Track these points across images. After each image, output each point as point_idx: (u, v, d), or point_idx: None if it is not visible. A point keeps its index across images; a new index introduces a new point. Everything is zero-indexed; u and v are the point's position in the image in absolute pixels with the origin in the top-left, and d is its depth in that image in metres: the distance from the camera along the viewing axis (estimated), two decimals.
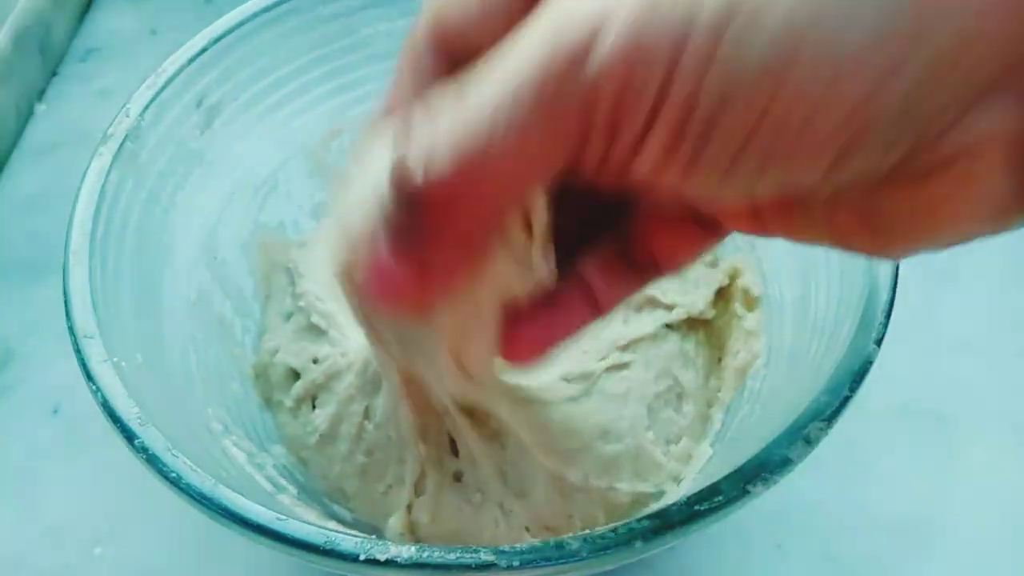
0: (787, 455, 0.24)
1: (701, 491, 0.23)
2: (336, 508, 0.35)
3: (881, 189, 0.17)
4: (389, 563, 0.22)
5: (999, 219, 0.17)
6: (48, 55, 0.58)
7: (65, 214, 0.30)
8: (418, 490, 0.34)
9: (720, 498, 0.23)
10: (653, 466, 0.34)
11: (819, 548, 0.38)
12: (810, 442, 0.24)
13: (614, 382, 0.35)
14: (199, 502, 0.24)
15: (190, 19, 0.63)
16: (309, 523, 0.23)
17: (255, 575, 0.38)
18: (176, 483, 0.24)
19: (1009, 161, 0.16)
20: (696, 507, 0.23)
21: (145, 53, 0.61)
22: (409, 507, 0.33)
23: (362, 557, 0.23)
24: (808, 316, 0.32)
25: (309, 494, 0.35)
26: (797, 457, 0.24)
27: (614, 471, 0.33)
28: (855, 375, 0.25)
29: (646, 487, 0.34)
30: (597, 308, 0.24)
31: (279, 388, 0.36)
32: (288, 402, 0.36)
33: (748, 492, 0.23)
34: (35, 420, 0.43)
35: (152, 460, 0.25)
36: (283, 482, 0.33)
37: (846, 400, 0.25)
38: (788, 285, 0.35)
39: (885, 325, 0.26)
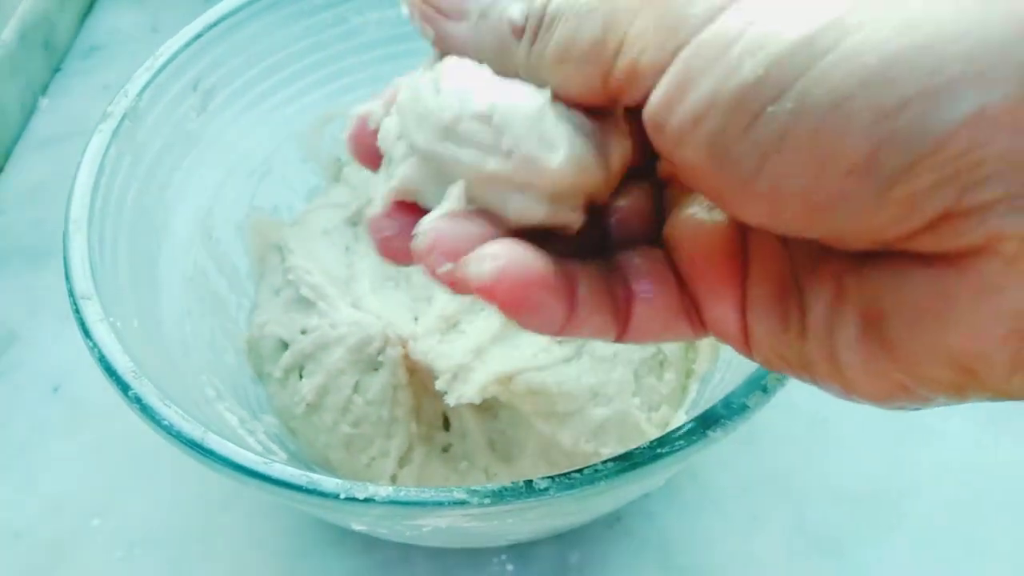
0: (745, 403, 0.25)
1: (663, 436, 0.25)
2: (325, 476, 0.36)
3: (894, 276, 0.16)
4: (368, 500, 0.24)
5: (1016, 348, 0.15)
6: (52, 51, 0.60)
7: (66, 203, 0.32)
8: (403, 462, 0.35)
9: (681, 441, 0.24)
10: (637, 433, 0.35)
11: (793, 519, 0.40)
12: (767, 391, 0.25)
13: (602, 346, 0.36)
14: (190, 448, 0.25)
15: (190, 17, 0.64)
16: (293, 467, 0.25)
17: (249, 547, 0.39)
18: (168, 431, 0.26)
19: None
20: (658, 449, 0.24)
21: (146, 50, 0.61)
22: (394, 478, 0.35)
23: (343, 495, 0.24)
24: None
25: (299, 461, 0.36)
26: (754, 405, 0.25)
27: (602, 436, 0.35)
28: None
29: None
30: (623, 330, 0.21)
31: (269, 360, 0.38)
32: (277, 372, 0.37)
33: (707, 436, 0.25)
34: (36, 398, 0.45)
35: (145, 410, 0.26)
36: (273, 447, 0.34)
37: None
38: None
39: None
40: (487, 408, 0.35)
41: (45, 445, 0.43)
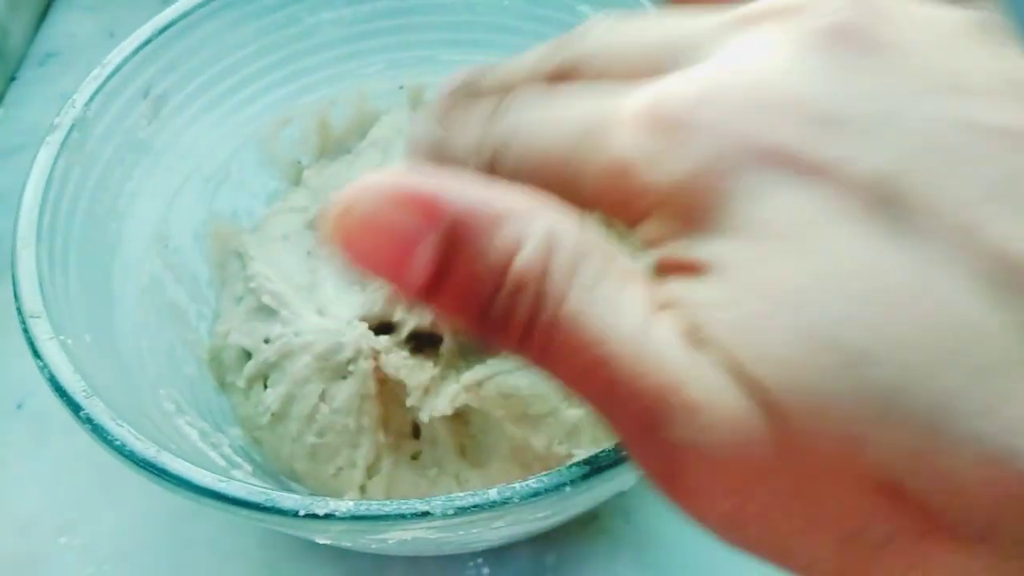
0: None
1: None
2: (293, 486, 0.36)
3: None
4: (328, 517, 0.23)
5: None
6: (6, 59, 0.58)
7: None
8: (372, 472, 0.35)
9: None
10: (611, 434, 0.35)
11: None
12: None
13: None
14: (143, 468, 0.25)
15: (148, 21, 0.64)
16: (250, 484, 0.24)
17: (219, 559, 0.39)
18: (120, 451, 0.25)
19: None
20: (623, 452, 0.24)
21: (104, 56, 0.60)
22: (363, 488, 0.34)
23: (302, 512, 0.23)
24: None
25: (266, 473, 0.35)
26: None
27: (576, 437, 0.34)
28: None
29: None
30: None
31: (232, 370, 0.37)
32: (240, 382, 0.36)
33: None
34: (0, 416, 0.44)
35: (97, 430, 0.25)
36: (238, 460, 0.34)
37: None
38: None
39: None
40: (458, 414, 0.34)
41: (9, 464, 0.42)
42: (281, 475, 0.36)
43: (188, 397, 0.34)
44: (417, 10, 0.41)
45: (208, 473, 0.24)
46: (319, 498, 0.24)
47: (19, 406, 0.44)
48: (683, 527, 0.38)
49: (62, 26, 0.64)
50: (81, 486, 0.41)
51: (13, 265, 0.29)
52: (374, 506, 0.23)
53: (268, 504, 0.24)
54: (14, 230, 0.30)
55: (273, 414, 0.35)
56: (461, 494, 0.23)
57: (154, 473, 0.24)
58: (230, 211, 0.41)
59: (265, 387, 0.36)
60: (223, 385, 0.38)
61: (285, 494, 0.24)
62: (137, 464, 0.25)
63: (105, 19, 0.64)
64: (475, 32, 0.42)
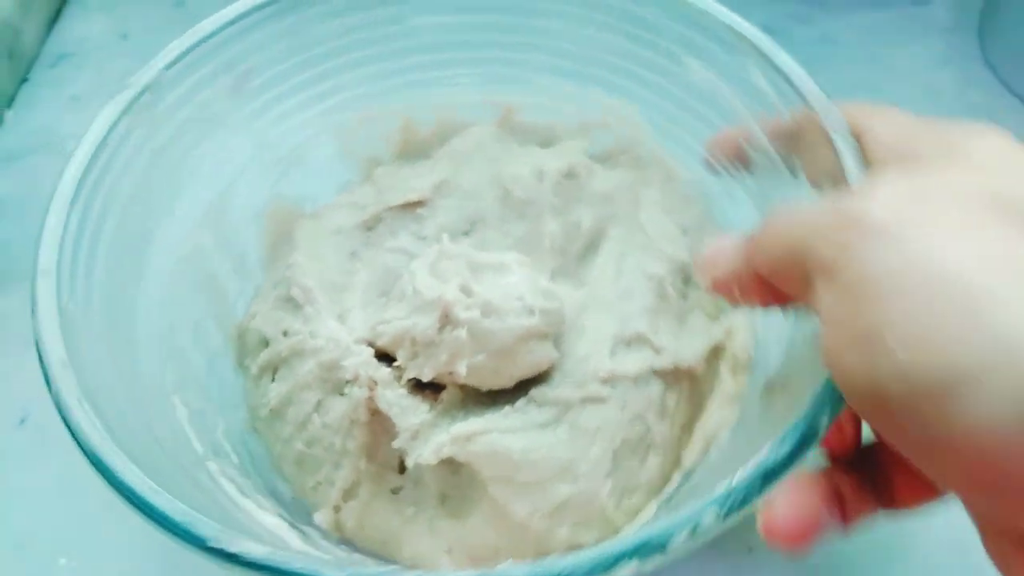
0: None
1: (605, 555, 0.22)
2: (280, 484, 0.35)
3: None
4: (234, 557, 0.22)
5: None
6: (17, 61, 0.57)
7: (34, 222, 0.29)
8: (348, 495, 0.34)
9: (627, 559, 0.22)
10: (601, 519, 0.32)
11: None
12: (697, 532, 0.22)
13: (586, 416, 0.33)
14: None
15: (161, 22, 0.57)
16: (175, 502, 0.23)
17: None
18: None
19: None
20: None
21: (116, 58, 0.57)
22: (336, 508, 0.33)
23: (211, 544, 0.22)
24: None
25: (256, 467, 0.35)
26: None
27: (559, 516, 0.32)
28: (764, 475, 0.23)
29: (586, 539, 0.32)
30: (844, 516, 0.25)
31: (251, 354, 0.37)
32: (254, 368, 0.36)
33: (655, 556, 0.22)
34: (1, 430, 0.41)
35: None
36: (226, 449, 0.33)
37: (747, 498, 0.23)
38: (775, 356, 0.32)
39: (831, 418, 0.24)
40: (449, 461, 0.32)
41: (10, 480, 0.40)
42: (272, 471, 0.35)
43: (189, 373, 0.34)
44: (522, 29, 0.39)
45: (144, 479, 0.24)
46: (234, 534, 0.23)
47: (22, 421, 0.42)
48: (700, 563, 0.35)
49: (75, 28, 0.62)
50: (82, 506, 0.38)
51: (43, 227, 0.29)
52: (283, 557, 0.22)
53: (183, 524, 0.23)
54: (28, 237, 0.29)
55: (271, 410, 0.35)
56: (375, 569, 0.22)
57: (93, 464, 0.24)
58: (297, 195, 0.41)
59: (273, 380, 0.36)
60: (241, 365, 0.38)
61: (204, 520, 0.23)
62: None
63: (118, 21, 0.62)
64: (576, 63, 0.40)
